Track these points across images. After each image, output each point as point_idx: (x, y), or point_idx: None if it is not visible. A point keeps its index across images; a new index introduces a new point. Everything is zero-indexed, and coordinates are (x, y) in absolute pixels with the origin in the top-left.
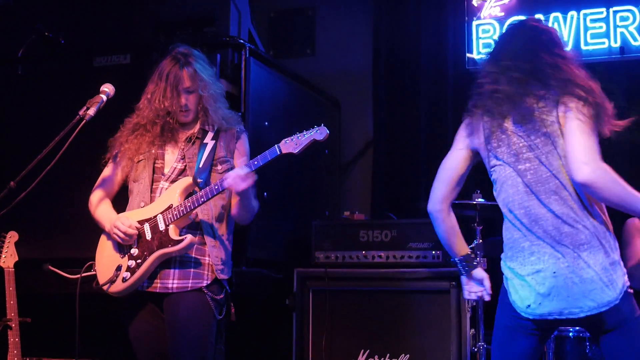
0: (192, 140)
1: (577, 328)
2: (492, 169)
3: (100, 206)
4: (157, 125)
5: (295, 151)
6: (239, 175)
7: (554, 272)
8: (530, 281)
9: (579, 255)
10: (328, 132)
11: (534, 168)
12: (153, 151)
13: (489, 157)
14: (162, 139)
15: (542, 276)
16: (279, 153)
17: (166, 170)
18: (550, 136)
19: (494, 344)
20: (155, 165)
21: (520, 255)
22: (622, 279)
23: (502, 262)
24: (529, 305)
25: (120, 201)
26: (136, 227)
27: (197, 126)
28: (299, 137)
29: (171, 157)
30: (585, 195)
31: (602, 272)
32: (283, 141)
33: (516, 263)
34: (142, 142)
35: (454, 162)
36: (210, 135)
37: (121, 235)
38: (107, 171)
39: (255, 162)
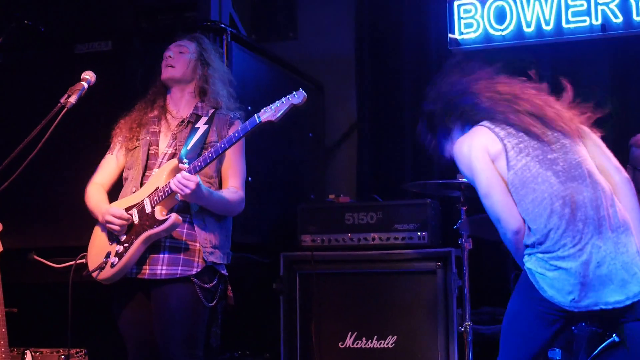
0: (185, 123)
1: None
2: (512, 173)
3: (94, 197)
4: (148, 100)
5: (274, 118)
6: (180, 180)
7: (598, 262)
8: (573, 273)
9: (618, 237)
10: (305, 94)
11: (562, 157)
12: (148, 138)
13: (507, 159)
14: (155, 124)
15: (584, 267)
16: (258, 122)
17: (159, 157)
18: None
19: (512, 334)
20: (150, 152)
21: (558, 248)
22: None
23: (527, 257)
24: (573, 299)
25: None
26: (128, 216)
27: (190, 110)
28: (278, 104)
29: (164, 143)
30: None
31: (637, 256)
32: (262, 110)
33: (553, 256)
34: (134, 124)
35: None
36: (203, 119)
37: (114, 227)
38: (104, 160)
39: (199, 164)
